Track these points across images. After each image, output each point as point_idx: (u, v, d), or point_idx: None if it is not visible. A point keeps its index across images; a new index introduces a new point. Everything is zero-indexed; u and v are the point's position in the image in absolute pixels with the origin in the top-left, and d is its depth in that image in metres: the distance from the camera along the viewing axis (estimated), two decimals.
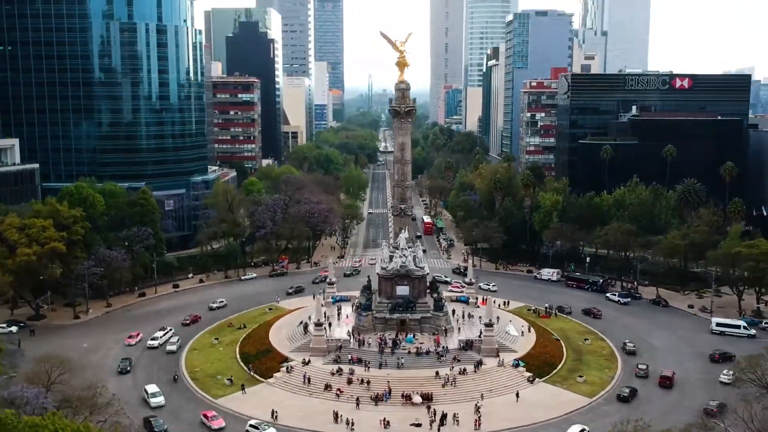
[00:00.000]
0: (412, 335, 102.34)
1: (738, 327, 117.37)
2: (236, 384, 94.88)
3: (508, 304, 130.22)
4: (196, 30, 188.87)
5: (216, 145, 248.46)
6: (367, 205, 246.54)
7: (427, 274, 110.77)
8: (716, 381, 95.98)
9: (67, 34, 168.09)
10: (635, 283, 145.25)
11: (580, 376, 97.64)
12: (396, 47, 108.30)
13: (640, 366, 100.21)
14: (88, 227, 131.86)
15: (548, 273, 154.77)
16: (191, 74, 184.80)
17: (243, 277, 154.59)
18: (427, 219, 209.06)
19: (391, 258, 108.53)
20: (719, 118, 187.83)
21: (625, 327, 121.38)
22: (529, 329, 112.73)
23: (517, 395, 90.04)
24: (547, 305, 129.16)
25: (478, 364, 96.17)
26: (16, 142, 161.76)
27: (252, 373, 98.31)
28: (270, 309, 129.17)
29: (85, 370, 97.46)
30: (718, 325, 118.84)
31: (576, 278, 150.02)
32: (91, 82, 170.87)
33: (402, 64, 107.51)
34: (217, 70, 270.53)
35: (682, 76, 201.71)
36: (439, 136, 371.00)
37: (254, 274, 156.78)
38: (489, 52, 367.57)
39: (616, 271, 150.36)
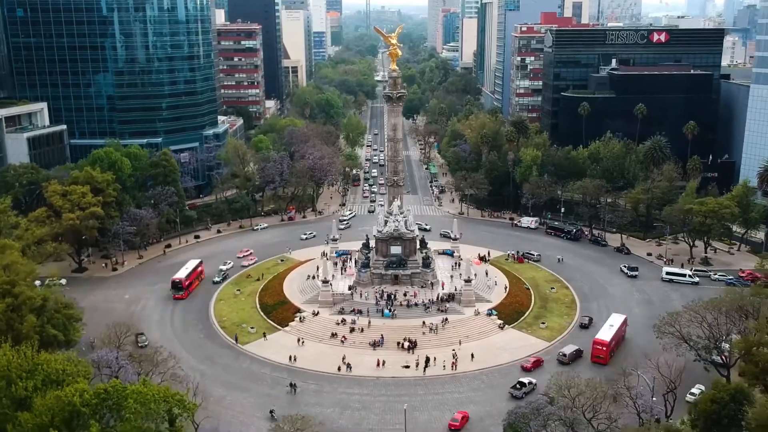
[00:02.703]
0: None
1: (684, 275, 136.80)
2: (258, 332, 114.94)
3: (489, 255, 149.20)
4: None
5: (222, 91, 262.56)
6: (364, 150, 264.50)
7: (417, 236, 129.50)
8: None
9: (84, 1, 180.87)
10: (603, 233, 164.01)
11: (543, 323, 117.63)
12: (388, 40, 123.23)
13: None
14: (119, 188, 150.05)
15: (527, 221, 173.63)
16: (200, 34, 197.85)
17: (255, 227, 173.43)
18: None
19: (385, 223, 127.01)
20: (692, 71, 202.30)
21: (588, 275, 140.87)
22: (504, 288, 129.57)
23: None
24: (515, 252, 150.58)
25: (444, 321, 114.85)
26: (44, 105, 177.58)
27: (271, 321, 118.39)
28: (282, 260, 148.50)
29: (131, 321, 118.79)
30: (667, 273, 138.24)
31: (554, 227, 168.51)
32: (108, 46, 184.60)
33: (394, 55, 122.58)
34: (220, 17, 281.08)
35: (659, 31, 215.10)
36: (435, 72, 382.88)
37: (266, 224, 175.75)
38: None
39: (587, 219, 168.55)
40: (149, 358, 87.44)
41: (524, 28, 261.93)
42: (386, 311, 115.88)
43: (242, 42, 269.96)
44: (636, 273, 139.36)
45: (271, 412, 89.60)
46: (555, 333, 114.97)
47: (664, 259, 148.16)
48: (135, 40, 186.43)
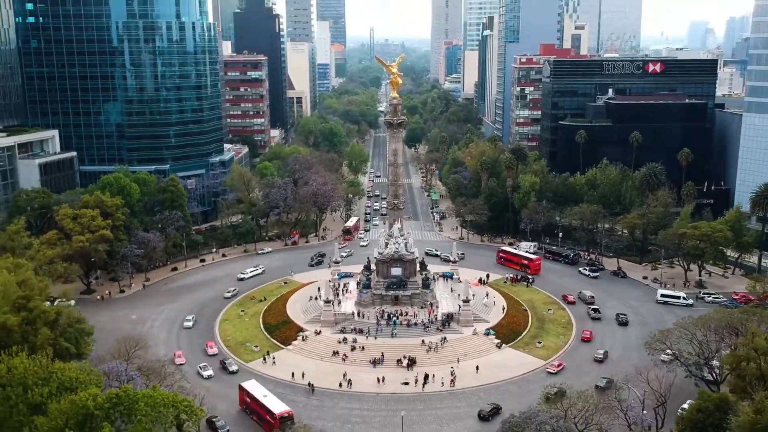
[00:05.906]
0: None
1: (678, 297, 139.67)
2: (261, 350, 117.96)
3: (488, 277, 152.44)
4: (211, 24, 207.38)
5: (228, 120, 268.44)
6: (368, 178, 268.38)
7: (416, 258, 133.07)
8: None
9: (95, 33, 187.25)
10: (600, 257, 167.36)
11: (539, 342, 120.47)
12: (389, 69, 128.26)
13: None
14: (127, 213, 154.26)
15: (526, 246, 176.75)
16: (207, 64, 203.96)
17: (260, 252, 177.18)
18: None
19: (386, 245, 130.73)
20: (687, 101, 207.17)
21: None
22: (502, 309, 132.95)
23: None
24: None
25: (443, 340, 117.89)
26: (55, 132, 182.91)
27: (274, 340, 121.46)
28: (285, 283, 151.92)
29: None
30: (662, 296, 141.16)
31: (552, 252, 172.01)
32: (118, 76, 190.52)
33: (394, 83, 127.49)
34: (227, 49, 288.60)
35: (654, 61, 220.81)
36: (437, 103, 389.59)
37: (270, 249, 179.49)
38: (485, 20, 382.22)
39: (585, 244, 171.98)
40: (157, 371, 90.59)
41: (524, 59, 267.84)
42: (393, 331, 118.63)
43: (248, 72, 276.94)
44: (597, 275, 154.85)
45: None
46: (551, 352, 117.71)
47: (660, 282, 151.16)
48: (144, 70, 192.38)
